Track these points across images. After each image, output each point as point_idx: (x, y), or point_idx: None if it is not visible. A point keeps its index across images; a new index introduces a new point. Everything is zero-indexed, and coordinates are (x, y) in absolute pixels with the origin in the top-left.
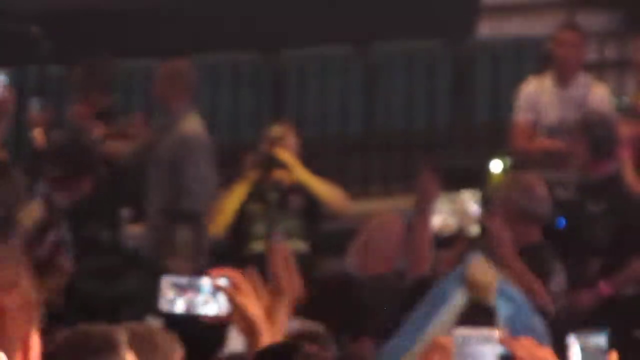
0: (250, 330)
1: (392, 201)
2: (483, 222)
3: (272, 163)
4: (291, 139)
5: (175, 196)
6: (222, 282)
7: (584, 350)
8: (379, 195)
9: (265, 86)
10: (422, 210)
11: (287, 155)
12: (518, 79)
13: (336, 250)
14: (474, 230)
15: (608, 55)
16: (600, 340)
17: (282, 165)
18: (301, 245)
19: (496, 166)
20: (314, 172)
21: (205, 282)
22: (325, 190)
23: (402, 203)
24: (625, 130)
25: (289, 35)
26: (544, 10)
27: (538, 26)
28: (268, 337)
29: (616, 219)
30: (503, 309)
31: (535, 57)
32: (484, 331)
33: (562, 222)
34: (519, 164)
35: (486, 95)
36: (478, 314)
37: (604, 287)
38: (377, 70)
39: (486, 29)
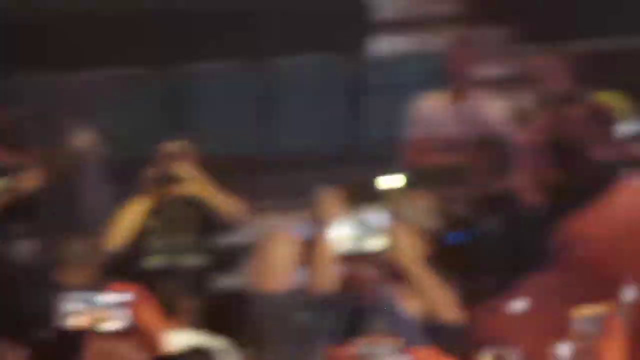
0: (150, 345)
1: (287, 218)
2: (386, 236)
3: (169, 178)
4: (190, 154)
5: (69, 211)
6: (124, 297)
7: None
8: (274, 212)
9: (163, 101)
10: (323, 227)
11: (184, 169)
12: (413, 94)
13: (233, 265)
14: (376, 245)
15: (503, 71)
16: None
17: (180, 180)
18: (198, 260)
19: (393, 182)
20: (212, 189)
21: (107, 297)
22: (223, 204)
23: (297, 219)
24: (522, 141)
25: (186, 51)
26: (439, 26)
27: (433, 41)
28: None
29: (511, 234)
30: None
31: (430, 73)
32: (388, 342)
33: (457, 237)
34: (413, 180)
35: (381, 111)
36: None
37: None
38: (272, 86)
39: (380, 44)
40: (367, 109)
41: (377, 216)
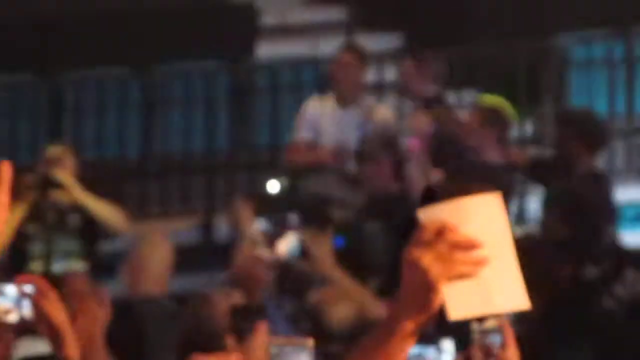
0: (55, 337)
1: (170, 224)
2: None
3: (49, 183)
4: (69, 160)
5: None
6: (28, 288)
7: None
8: (157, 218)
9: (43, 108)
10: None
11: (64, 175)
12: (299, 100)
13: (115, 271)
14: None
15: (387, 77)
16: None
17: (59, 186)
18: (80, 266)
19: (273, 187)
20: (92, 195)
21: (10, 288)
22: (104, 210)
23: (180, 225)
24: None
25: (66, 57)
26: (325, 31)
27: (319, 47)
28: (73, 343)
29: (396, 237)
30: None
31: (316, 78)
32: (298, 340)
33: (339, 241)
34: (295, 184)
35: (266, 117)
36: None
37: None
38: (155, 93)
39: (265, 50)
40: (253, 115)
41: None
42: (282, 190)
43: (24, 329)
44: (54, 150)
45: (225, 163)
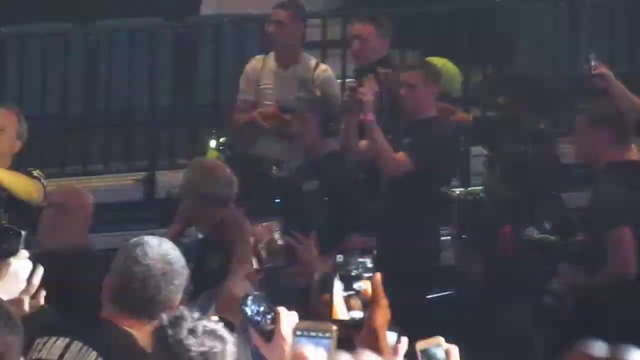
0: None
1: (112, 180)
2: None
3: None
4: (10, 125)
5: None
6: None
7: None
8: (99, 175)
9: None
10: None
11: None
12: (242, 58)
13: None
14: None
15: (330, 36)
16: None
17: None
18: None
19: (212, 145)
20: (33, 153)
21: None
22: (17, 183)
23: (121, 181)
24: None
25: (8, 12)
26: None
27: (260, 3)
28: None
29: (332, 196)
30: None
31: (259, 36)
32: (322, 325)
33: (276, 201)
34: (234, 143)
35: (209, 74)
36: None
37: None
38: (98, 49)
39: (209, 6)
40: (196, 72)
41: None
42: (217, 149)
43: None
44: None
45: (168, 120)
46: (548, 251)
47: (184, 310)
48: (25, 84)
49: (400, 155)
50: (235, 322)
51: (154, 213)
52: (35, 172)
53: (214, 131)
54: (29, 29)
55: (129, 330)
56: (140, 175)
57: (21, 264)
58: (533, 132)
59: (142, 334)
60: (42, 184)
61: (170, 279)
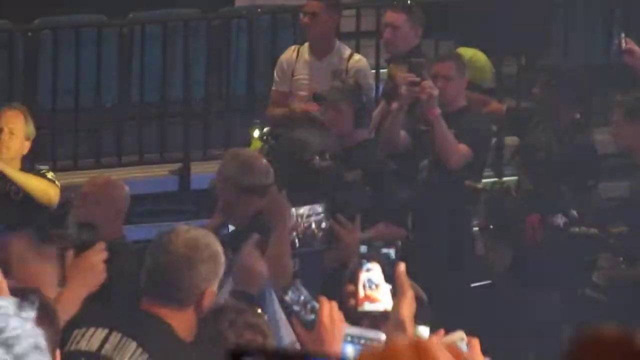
0: None
1: (146, 171)
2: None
3: None
4: (19, 123)
5: None
6: None
7: None
8: (133, 166)
9: (19, 56)
10: None
11: None
12: (276, 49)
13: None
14: None
15: (364, 26)
16: None
17: None
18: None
19: (256, 135)
20: (67, 145)
21: None
22: (38, 188)
23: (156, 172)
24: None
25: (41, 4)
26: None
27: None
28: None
29: (370, 185)
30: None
31: (293, 27)
32: (372, 333)
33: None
34: (277, 133)
35: (243, 66)
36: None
37: None
38: (132, 40)
39: None
40: (230, 63)
41: None
42: (260, 139)
43: None
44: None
45: (202, 111)
46: (585, 242)
47: (229, 302)
48: (60, 76)
49: (463, 147)
50: (254, 294)
51: (189, 204)
52: (49, 175)
53: (257, 121)
54: (63, 21)
55: (166, 319)
56: (175, 166)
57: (99, 256)
58: (568, 123)
59: (178, 322)
60: (58, 186)
61: (194, 265)
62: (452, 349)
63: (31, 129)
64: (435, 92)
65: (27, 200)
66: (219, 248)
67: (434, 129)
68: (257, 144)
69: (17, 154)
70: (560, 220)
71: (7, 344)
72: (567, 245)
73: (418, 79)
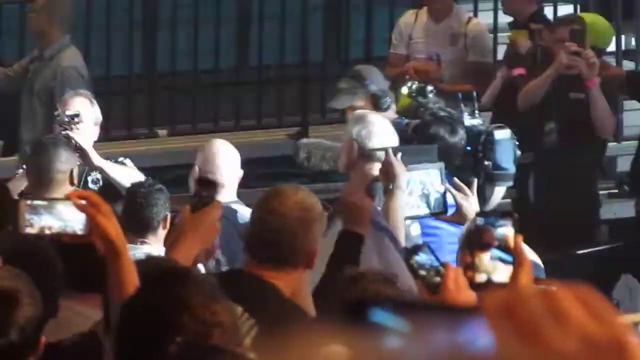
0: (110, 250)
1: (264, 135)
2: None
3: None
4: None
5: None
6: (82, 202)
7: None
8: (251, 130)
9: (138, 21)
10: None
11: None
12: (394, 11)
13: None
14: None
15: None
16: None
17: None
18: None
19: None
20: (185, 109)
21: (64, 203)
22: (116, 174)
23: (273, 137)
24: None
25: None
26: None
27: None
28: (127, 257)
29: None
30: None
31: None
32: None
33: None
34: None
35: (361, 29)
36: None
37: None
38: (250, 2)
39: None
40: (348, 27)
41: None
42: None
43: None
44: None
45: (319, 75)
46: None
47: (367, 270)
48: (178, 40)
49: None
50: (364, 234)
51: (306, 168)
52: (128, 163)
53: (407, 77)
54: None
55: (271, 280)
56: (292, 130)
57: (216, 213)
58: None
59: (284, 283)
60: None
61: (308, 227)
62: (584, 300)
63: (97, 114)
64: (597, 61)
65: (105, 190)
66: (321, 207)
67: (592, 98)
68: (405, 101)
69: (89, 141)
70: None
71: None
72: None
73: (580, 49)
